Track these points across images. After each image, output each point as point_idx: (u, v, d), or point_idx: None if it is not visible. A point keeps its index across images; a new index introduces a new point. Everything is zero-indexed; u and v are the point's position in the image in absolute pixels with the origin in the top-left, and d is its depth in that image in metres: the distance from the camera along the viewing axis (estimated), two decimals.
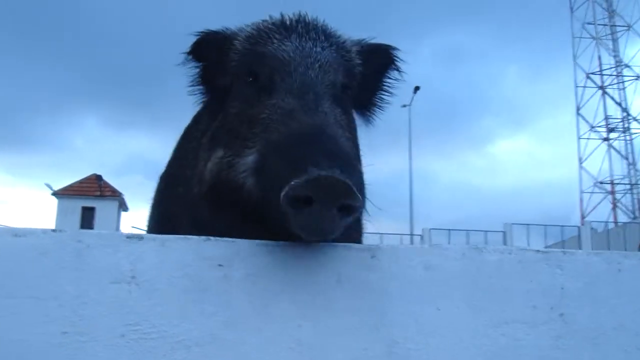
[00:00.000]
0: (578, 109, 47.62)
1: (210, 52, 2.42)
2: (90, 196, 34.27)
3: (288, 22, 2.33)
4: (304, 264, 1.50)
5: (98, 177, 34.73)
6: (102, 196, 34.23)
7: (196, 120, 2.64)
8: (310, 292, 1.49)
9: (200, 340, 1.40)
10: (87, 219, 33.73)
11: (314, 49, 2.24)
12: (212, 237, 1.46)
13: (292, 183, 1.55)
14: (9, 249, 1.39)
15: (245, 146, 1.99)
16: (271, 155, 1.82)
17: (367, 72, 2.48)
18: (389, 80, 2.61)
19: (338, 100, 2.17)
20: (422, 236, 33.11)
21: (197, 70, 2.47)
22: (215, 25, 2.50)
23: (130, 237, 1.43)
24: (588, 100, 47.41)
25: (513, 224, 35.77)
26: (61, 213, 33.91)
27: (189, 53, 2.42)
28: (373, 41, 2.56)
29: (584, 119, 47.48)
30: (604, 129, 47.22)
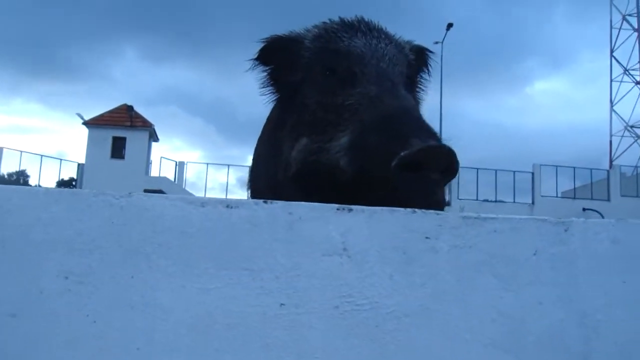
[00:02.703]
0: (612, 51, 46.34)
1: (278, 54, 2.64)
2: (120, 126, 34.39)
3: (351, 23, 2.58)
4: (504, 237, 1.49)
5: (129, 108, 34.81)
6: (132, 126, 34.34)
7: (270, 118, 2.83)
8: (509, 265, 1.48)
9: (409, 311, 1.41)
10: (118, 148, 34.02)
11: (379, 45, 2.49)
12: (418, 210, 1.46)
13: (403, 154, 1.83)
14: (222, 221, 1.39)
15: (337, 130, 2.17)
16: (369, 134, 2.03)
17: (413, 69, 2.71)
18: (423, 78, 2.88)
19: (407, 87, 2.46)
20: None
21: (266, 73, 2.71)
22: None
23: (339, 209, 1.42)
24: (623, 43, 46.08)
25: (542, 165, 35.65)
26: (92, 142, 34.19)
27: (257, 59, 2.68)
28: (417, 43, 2.80)
29: (617, 61, 46.26)
30: (637, 73, 46.02)
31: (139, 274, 1.35)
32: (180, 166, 38.78)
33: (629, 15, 46.04)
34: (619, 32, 45.67)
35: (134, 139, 34.50)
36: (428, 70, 2.86)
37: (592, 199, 35.20)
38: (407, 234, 1.44)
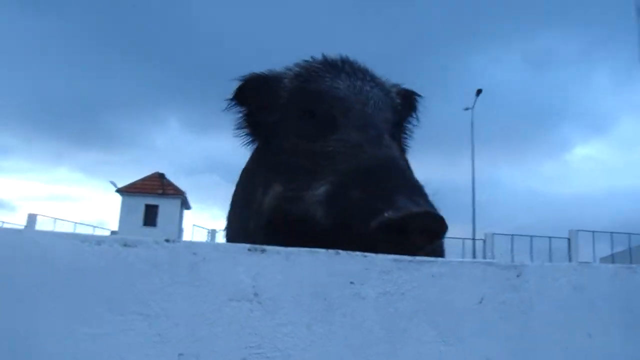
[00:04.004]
0: None
1: (255, 94, 2.48)
2: (153, 194, 34.76)
3: (335, 62, 2.44)
4: (444, 283, 1.33)
5: (161, 175, 35.27)
6: (164, 194, 34.69)
7: (248, 162, 2.66)
8: (450, 315, 1.32)
9: None
10: (150, 216, 34.25)
11: (365, 87, 2.35)
12: (342, 251, 1.30)
13: (387, 215, 1.69)
14: (118, 261, 1.24)
15: (313, 179, 2.01)
16: (349, 187, 1.88)
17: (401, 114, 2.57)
18: (410, 124, 2.71)
19: (393, 135, 2.26)
20: (484, 240, 32.71)
21: (242, 114, 2.56)
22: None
23: (251, 249, 1.27)
24: None
25: (579, 230, 35.05)
26: (125, 210, 34.54)
27: (233, 99, 2.52)
28: (405, 86, 2.65)
29: None
30: None
31: (22, 316, 1.20)
32: (212, 234, 38.86)
33: None
34: None
35: (166, 207, 34.77)
36: (416, 115, 2.69)
37: (631, 264, 34.33)
38: (328, 278, 1.28)
